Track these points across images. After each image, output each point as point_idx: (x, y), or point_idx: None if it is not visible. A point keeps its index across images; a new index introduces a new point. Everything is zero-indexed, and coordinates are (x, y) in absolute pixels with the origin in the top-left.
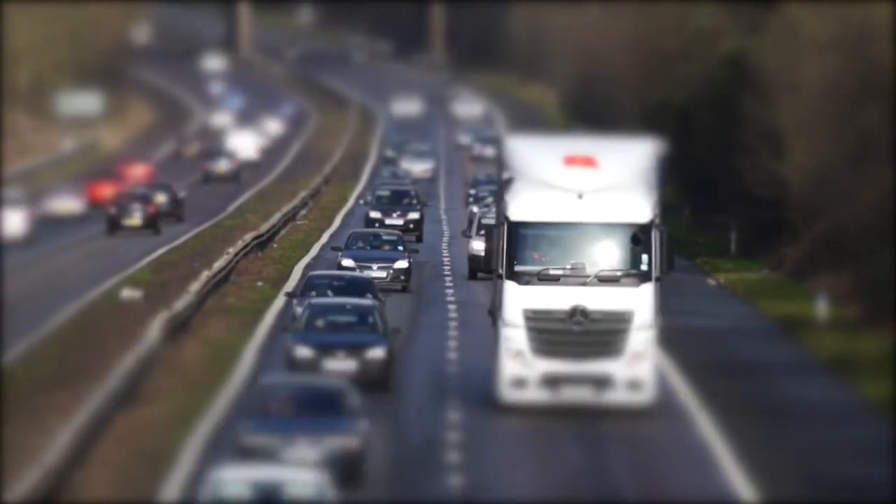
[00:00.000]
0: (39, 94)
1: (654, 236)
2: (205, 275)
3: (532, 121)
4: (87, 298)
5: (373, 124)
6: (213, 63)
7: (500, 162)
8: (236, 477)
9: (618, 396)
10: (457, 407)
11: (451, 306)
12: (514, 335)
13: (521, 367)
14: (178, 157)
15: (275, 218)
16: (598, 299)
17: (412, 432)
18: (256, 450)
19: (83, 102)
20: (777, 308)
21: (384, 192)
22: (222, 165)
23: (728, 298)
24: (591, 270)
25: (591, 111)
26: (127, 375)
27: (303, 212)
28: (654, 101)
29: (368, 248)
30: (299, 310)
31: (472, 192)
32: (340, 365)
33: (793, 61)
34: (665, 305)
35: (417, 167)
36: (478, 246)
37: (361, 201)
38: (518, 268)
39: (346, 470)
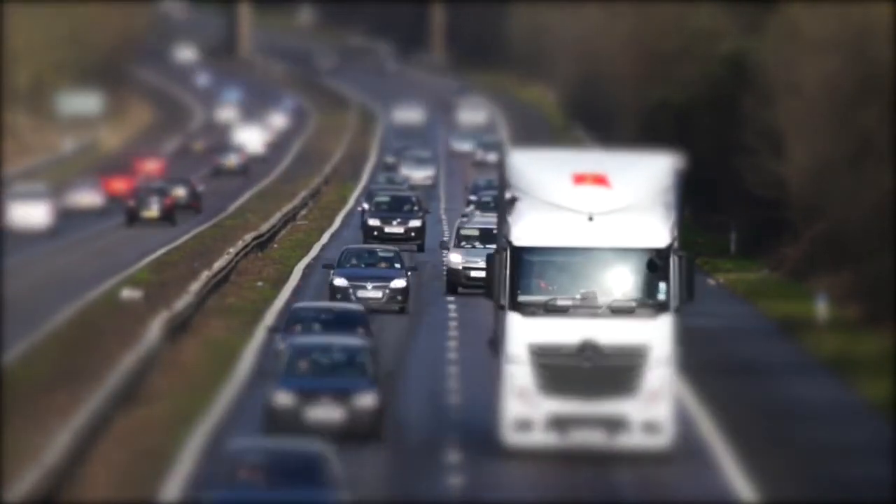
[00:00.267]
0: (39, 94)
1: (673, 262)
2: (205, 275)
3: (532, 121)
4: (87, 298)
5: (373, 124)
6: (185, 54)
7: (502, 179)
8: None
9: (633, 440)
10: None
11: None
12: (518, 372)
13: (526, 408)
14: (185, 152)
15: (275, 218)
16: (611, 332)
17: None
18: None
19: (83, 102)
20: (777, 308)
21: (383, 199)
22: (232, 160)
23: (728, 298)
24: (603, 300)
25: (590, 111)
26: (127, 375)
27: (303, 212)
28: (654, 101)
29: (363, 265)
30: (283, 346)
31: (473, 197)
32: (325, 413)
33: (793, 61)
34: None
35: (418, 174)
36: (456, 259)
37: (359, 208)
38: (522, 297)
39: None
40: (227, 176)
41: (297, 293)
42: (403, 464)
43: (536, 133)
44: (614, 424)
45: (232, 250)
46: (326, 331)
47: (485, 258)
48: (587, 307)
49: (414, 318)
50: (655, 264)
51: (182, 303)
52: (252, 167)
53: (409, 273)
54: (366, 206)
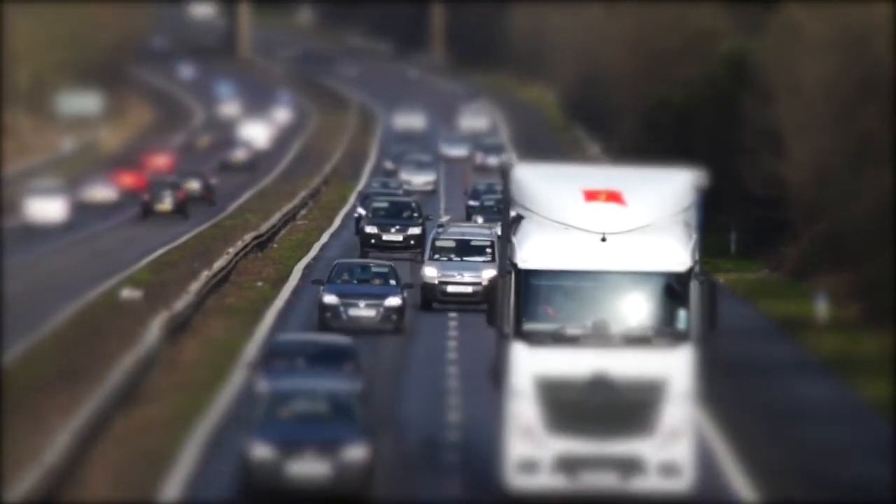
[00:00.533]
0: (39, 94)
1: (694, 288)
2: (205, 275)
3: (532, 121)
4: (87, 298)
5: (373, 124)
6: (158, 42)
7: (506, 195)
8: None
9: (649, 483)
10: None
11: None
12: (523, 408)
13: (531, 448)
14: (189, 148)
15: (275, 218)
16: (625, 364)
17: None
18: None
19: (83, 102)
20: (777, 308)
21: (382, 204)
22: (240, 154)
23: (727, 298)
24: (616, 329)
25: (590, 111)
26: (127, 375)
27: (303, 212)
28: (654, 101)
29: (355, 281)
30: (263, 386)
31: (474, 203)
32: (309, 468)
33: (793, 61)
34: None
35: (418, 179)
36: (431, 272)
37: (355, 214)
38: (528, 326)
39: None
40: (234, 171)
41: (296, 293)
42: None
43: (536, 133)
44: (628, 466)
45: (232, 250)
46: (310, 367)
47: (460, 271)
48: (599, 337)
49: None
50: (674, 290)
51: (182, 303)
52: (259, 162)
53: (405, 290)
54: (361, 211)
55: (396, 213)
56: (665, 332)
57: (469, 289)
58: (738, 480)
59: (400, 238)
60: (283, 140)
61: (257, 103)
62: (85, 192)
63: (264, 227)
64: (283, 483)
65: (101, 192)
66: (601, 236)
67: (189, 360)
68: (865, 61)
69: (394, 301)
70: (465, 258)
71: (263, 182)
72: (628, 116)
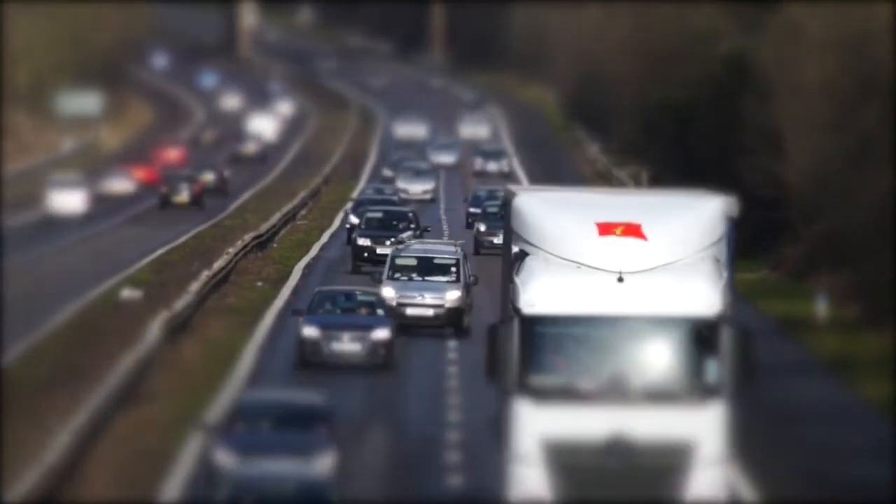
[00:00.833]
0: (39, 94)
1: (726, 334)
2: (205, 275)
3: (532, 121)
4: (87, 298)
5: (373, 124)
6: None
7: (507, 228)
8: None
9: None
10: None
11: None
12: (529, 476)
13: None
14: (195, 143)
15: (275, 218)
16: (647, 424)
17: None
18: None
19: (83, 102)
20: (777, 308)
21: (375, 214)
22: (250, 147)
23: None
24: (636, 383)
25: (590, 111)
26: (127, 375)
27: (303, 212)
28: (655, 101)
29: (339, 311)
30: (222, 459)
31: (475, 210)
32: None
33: (793, 61)
34: None
35: (415, 187)
36: (389, 293)
37: (347, 225)
38: (534, 379)
39: None
40: (245, 163)
41: (296, 293)
42: None
43: (536, 133)
44: None
45: (231, 250)
46: (277, 431)
47: (421, 292)
48: (616, 392)
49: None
50: (703, 337)
51: (182, 303)
52: (268, 154)
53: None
54: (353, 219)
55: (391, 224)
56: (692, 387)
57: (431, 311)
58: (738, 480)
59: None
60: (290, 133)
61: (258, 101)
62: (104, 184)
63: (264, 227)
64: None
65: (120, 184)
66: (618, 276)
67: (189, 360)
68: (865, 61)
69: (381, 333)
70: (427, 278)
71: (263, 182)
72: (628, 116)
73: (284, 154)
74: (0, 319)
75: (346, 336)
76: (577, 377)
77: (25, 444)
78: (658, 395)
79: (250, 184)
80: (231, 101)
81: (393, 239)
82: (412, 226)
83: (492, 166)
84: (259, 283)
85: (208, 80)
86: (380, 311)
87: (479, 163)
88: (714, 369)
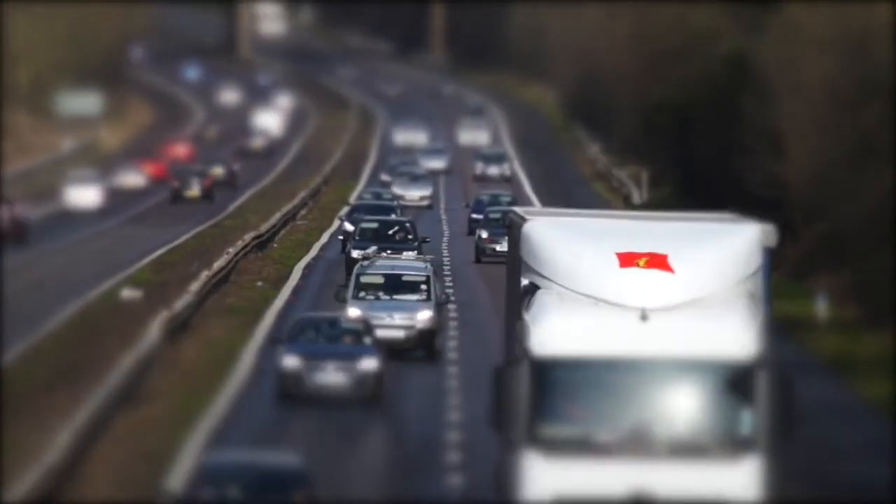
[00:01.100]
0: (39, 94)
1: (763, 380)
2: (205, 275)
3: (532, 121)
4: (87, 298)
5: (373, 124)
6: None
7: (513, 258)
8: None
9: None
10: None
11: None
12: None
13: None
14: (198, 139)
15: (275, 218)
16: (673, 481)
17: None
18: None
19: (83, 102)
20: (777, 308)
21: (370, 225)
22: (258, 142)
23: None
24: (661, 435)
25: (590, 111)
26: (127, 375)
27: (303, 212)
28: (654, 101)
29: (322, 340)
30: None
31: (478, 216)
32: None
33: (793, 61)
34: None
35: (412, 193)
36: (354, 314)
37: (340, 236)
38: (546, 430)
39: None
40: (252, 158)
41: (296, 293)
42: None
43: (536, 133)
44: None
45: (232, 250)
46: (247, 499)
47: (390, 311)
48: (638, 444)
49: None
50: (737, 382)
51: (182, 303)
52: (275, 149)
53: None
54: (348, 227)
55: (387, 235)
56: (724, 439)
57: (401, 333)
58: None
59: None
60: (294, 127)
61: (256, 97)
62: (116, 178)
63: (264, 227)
64: None
65: (131, 178)
66: (641, 313)
67: (189, 360)
68: (866, 61)
69: (369, 363)
70: (395, 297)
71: (264, 182)
72: (628, 116)
73: (287, 150)
74: (0, 319)
75: (330, 366)
76: (595, 427)
77: (25, 444)
78: (685, 449)
79: (258, 178)
80: (229, 96)
81: (389, 251)
82: (410, 237)
83: (493, 170)
84: (259, 283)
85: (191, 72)
86: (367, 340)
87: (479, 167)
88: (749, 419)
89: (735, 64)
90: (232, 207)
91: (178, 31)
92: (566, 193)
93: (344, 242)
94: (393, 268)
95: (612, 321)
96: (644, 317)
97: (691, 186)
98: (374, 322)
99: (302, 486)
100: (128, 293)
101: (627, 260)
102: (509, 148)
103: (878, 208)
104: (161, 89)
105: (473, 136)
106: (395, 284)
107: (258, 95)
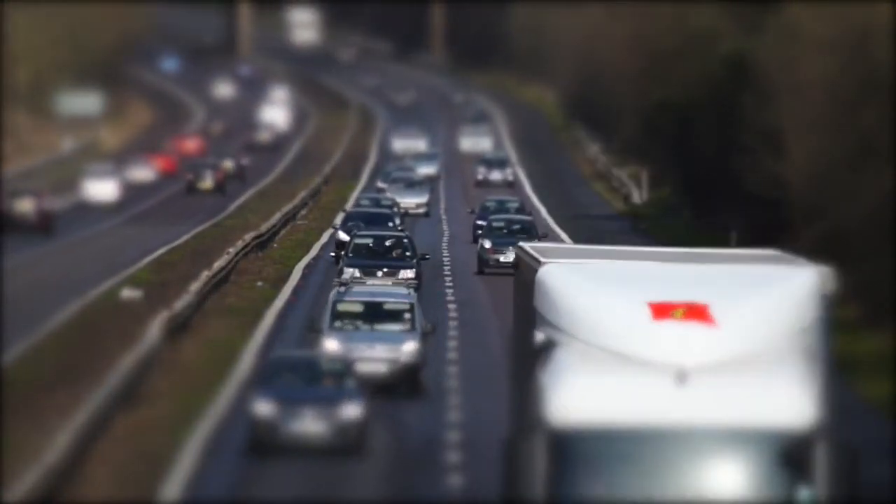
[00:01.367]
0: (39, 94)
1: (822, 453)
2: (205, 275)
3: (532, 121)
4: (87, 298)
5: (373, 124)
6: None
7: (522, 306)
8: None
9: None
10: None
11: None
12: None
13: None
14: (204, 135)
15: (275, 218)
16: None
17: None
18: None
19: (83, 102)
20: None
21: (364, 241)
22: (264, 135)
23: None
24: None
25: (591, 111)
26: (127, 375)
27: (303, 212)
28: (655, 101)
29: (299, 381)
30: None
31: (482, 222)
32: None
33: (793, 61)
34: None
35: (408, 200)
36: (332, 346)
37: (332, 253)
38: None
39: None
40: (259, 151)
41: (296, 293)
42: None
43: (536, 133)
44: None
45: (232, 250)
46: None
47: (371, 343)
48: None
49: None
50: (792, 456)
51: (182, 303)
52: (281, 143)
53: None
54: (342, 235)
55: (383, 251)
56: None
57: (383, 367)
58: None
59: (388, 284)
60: (297, 121)
61: (251, 91)
62: (127, 172)
63: (264, 227)
64: None
65: (141, 172)
66: (678, 374)
67: (189, 360)
68: (865, 61)
69: (351, 410)
70: (376, 327)
71: (263, 182)
72: (628, 116)
73: (291, 145)
74: (0, 319)
75: (307, 413)
76: None
77: (25, 444)
78: None
79: (266, 171)
80: (224, 90)
81: (385, 269)
82: (408, 253)
83: (496, 175)
84: (259, 283)
85: (169, 64)
86: (350, 382)
87: (482, 171)
88: (807, 498)
89: (735, 64)
90: (232, 207)
91: (178, 32)
92: (566, 193)
93: (337, 257)
94: (373, 295)
95: (644, 383)
96: (682, 378)
97: (691, 186)
98: (353, 355)
99: None
100: (128, 293)
101: (662, 311)
102: (509, 148)
103: (878, 208)
104: (160, 89)
105: (475, 143)
106: (375, 313)
107: (250, 89)
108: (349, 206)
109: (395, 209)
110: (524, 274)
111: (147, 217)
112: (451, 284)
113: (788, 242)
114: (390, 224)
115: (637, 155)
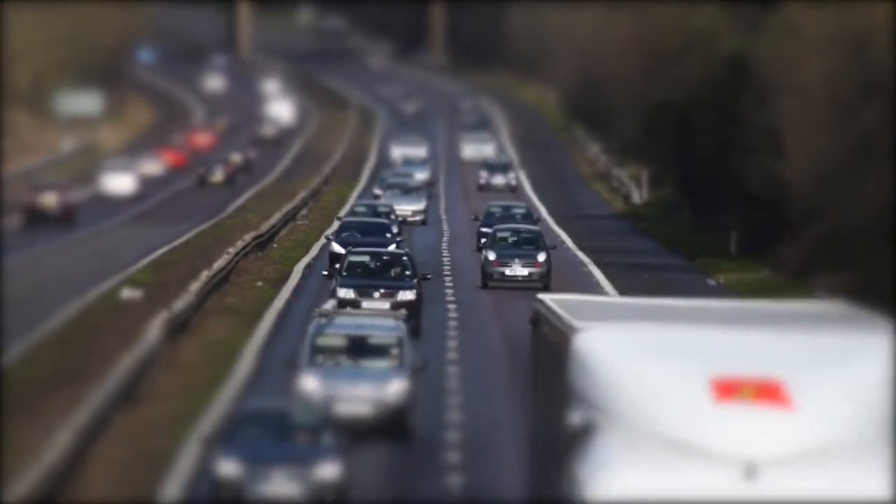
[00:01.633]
0: (39, 94)
1: None
2: (205, 275)
3: (532, 121)
4: (87, 298)
5: (372, 124)
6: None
7: (552, 377)
8: None
9: None
10: None
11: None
12: None
13: None
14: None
15: (275, 218)
16: None
17: None
18: None
19: (83, 102)
20: None
21: (360, 258)
22: (268, 129)
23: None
24: None
25: (591, 111)
26: (127, 375)
27: (303, 212)
28: (655, 101)
29: (269, 437)
30: None
31: (487, 229)
32: None
33: (793, 61)
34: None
35: (405, 207)
36: (311, 385)
37: (325, 272)
38: None
39: None
40: (264, 145)
41: (296, 293)
42: None
43: (536, 133)
44: None
45: (232, 250)
46: None
47: (354, 382)
48: None
49: None
50: None
51: (182, 303)
52: (285, 137)
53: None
54: (336, 247)
55: (380, 269)
56: None
57: (366, 409)
58: None
59: (386, 306)
60: (305, 116)
61: (249, 93)
62: (137, 166)
63: (264, 227)
64: None
65: (150, 166)
66: (747, 467)
67: (189, 360)
68: (865, 61)
69: (328, 470)
70: (360, 363)
71: (263, 182)
72: (628, 116)
73: (293, 142)
74: (0, 319)
75: (278, 473)
76: None
77: (25, 444)
78: None
79: (268, 169)
80: (214, 83)
81: (382, 290)
82: (407, 273)
83: (498, 180)
84: (259, 283)
85: (145, 56)
86: (326, 438)
87: (484, 176)
88: None
89: (735, 64)
90: (232, 208)
91: (178, 32)
92: (566, 193)
93: (331, 274)
94: (357, 327)
95: (706, 478)
96: (751, 472)
97: (691, 186)
98: (334, 394)
99: None
100: (128, 293)
101: (727, 390)
102: (510, 150)
103: (878, 208)
104: (160, 89)
105: (477, 149)
106: (359, 348)
107: (240, 81)
108: (343, 213)
109: (393, 217)
110: (550, 337)
111: (155, 214)
112: (450, 285)
113: (788, 242)
114: (388, 235)
115: (637, 155)
